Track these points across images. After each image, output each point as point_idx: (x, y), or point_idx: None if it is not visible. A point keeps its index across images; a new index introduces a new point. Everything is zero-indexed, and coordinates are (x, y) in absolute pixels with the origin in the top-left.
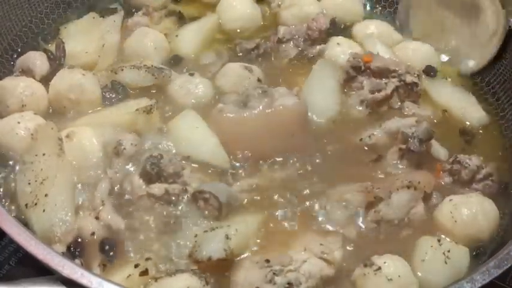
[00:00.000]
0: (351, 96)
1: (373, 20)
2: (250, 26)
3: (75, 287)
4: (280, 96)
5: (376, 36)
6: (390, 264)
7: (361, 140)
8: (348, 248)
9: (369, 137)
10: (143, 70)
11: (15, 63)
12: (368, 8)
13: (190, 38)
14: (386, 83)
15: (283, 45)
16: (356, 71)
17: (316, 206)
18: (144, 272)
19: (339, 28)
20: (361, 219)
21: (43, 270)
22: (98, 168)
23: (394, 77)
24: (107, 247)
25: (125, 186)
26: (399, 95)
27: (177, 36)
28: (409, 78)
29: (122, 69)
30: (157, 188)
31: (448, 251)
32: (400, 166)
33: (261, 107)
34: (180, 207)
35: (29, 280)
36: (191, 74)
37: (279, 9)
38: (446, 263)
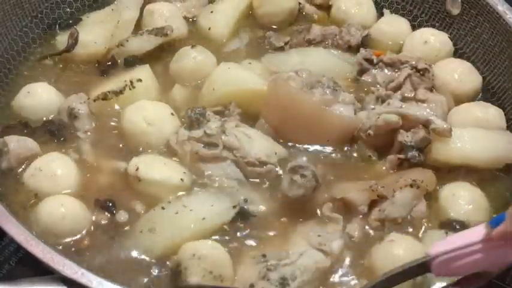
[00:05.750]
0: (368, 96)
1: None
2: (285, 20)
3: (75, 286)
4: (343, 102)
5: None
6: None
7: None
8: (351, 246)
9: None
10: (145, 34)
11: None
12: None
13: (224, 19)
14: (398, 73)
15: (311, 46)
16: (369, 63)
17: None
18: None
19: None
20: (364, 217)
21: (43, 270)
22: None
23: (405, 66)
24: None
25: (173, 140)
26: (412, 82)
27: (212, 12)
28: (421, 65)
29: (127, 40)
30: (197, 132)
31: None
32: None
33: (322, 99)
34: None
35: (29, 280)
36: (193, 46)
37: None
38: None
